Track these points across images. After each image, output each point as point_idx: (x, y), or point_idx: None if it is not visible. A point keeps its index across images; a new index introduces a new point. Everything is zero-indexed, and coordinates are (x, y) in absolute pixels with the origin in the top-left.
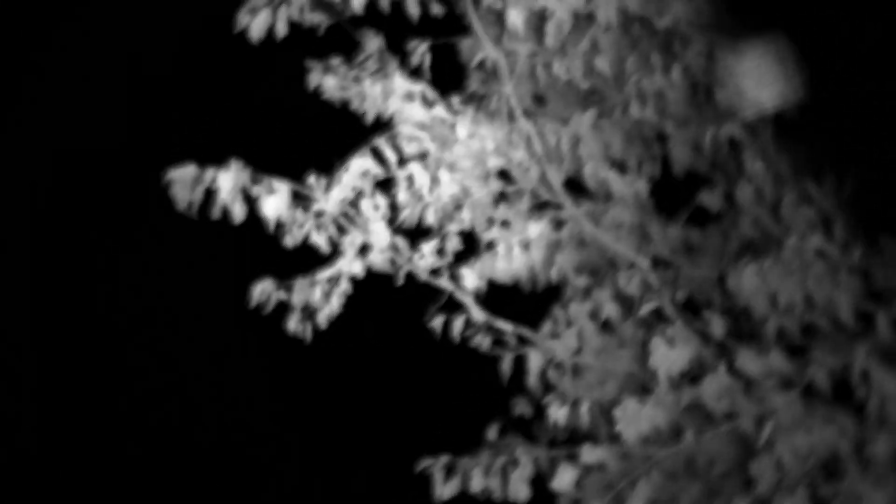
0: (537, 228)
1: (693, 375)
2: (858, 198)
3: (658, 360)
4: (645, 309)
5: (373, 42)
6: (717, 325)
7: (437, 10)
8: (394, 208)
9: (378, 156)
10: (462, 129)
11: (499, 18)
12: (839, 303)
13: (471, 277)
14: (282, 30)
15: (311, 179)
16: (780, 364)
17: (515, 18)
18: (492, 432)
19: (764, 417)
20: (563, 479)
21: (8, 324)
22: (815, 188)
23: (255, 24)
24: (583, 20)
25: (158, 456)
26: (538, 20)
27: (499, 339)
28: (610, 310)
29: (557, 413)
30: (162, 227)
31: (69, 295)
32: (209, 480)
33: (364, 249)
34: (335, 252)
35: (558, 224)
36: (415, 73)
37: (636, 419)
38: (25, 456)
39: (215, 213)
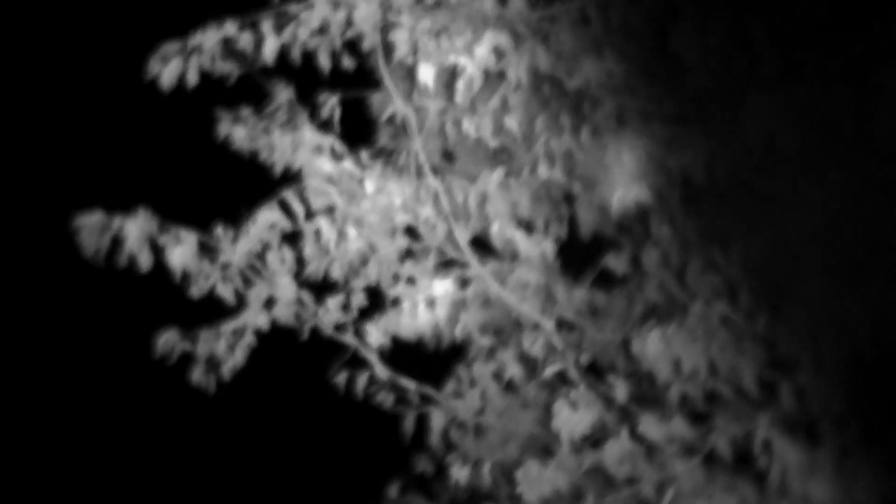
0: (443, 286)
1: (595, 439)
2: (764, 266)
3: (561, 423)
4: (549, 371)
5: (283, 93)
6: (621, 390)
7: (348, 63)
8: (300, 262)
9: (285, 208)
10: (370, 184)
11: (409, 73)
12: (743, 371)
13: (375, 334)
14: (193, 78)
15: (219, 230)
16: (683, 430)
17: (426, 74)
18: (392, 490)
19: (665, 483)
20: None
21: None
22: (721, 255)
23: (166, 73)
24: (493, 78)
25: None
26: (449, 77)
27: (402, 397)
28: (514, 371)
29: (459, 473)
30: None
31: None
32: None
33: (270, 302)
34: (241, 304)
35: (464, 283)
36: (324, 126)
37: (538, 481)
38: None
39: (121, 261)
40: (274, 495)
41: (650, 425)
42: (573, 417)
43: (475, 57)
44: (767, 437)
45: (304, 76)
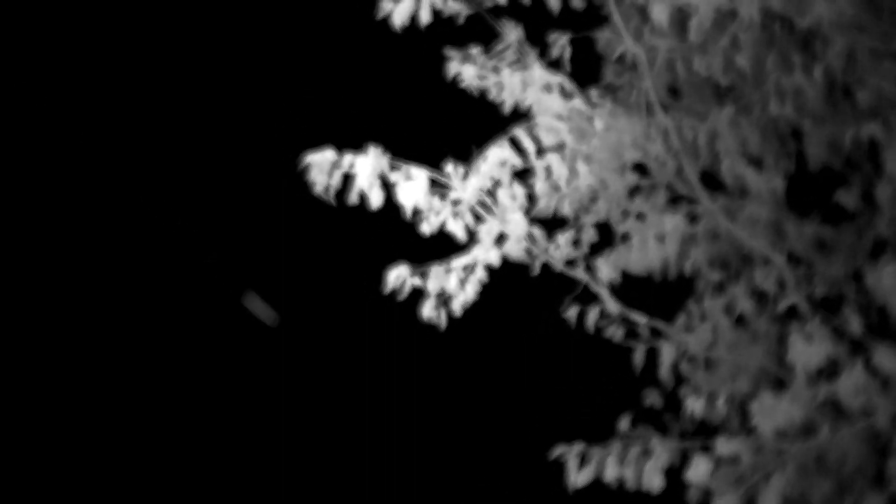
0: (673, 222)
1: (829, 372)
2: None
3: (796, 355)
4: (781, 305)
5: (512, 32)
6: (855, 322)
7: (577, 2)
8: (531, 198)
9: (516, 146)
10: (599, 122)
11: (639, 12)
12: None
13: (605, 269)
14: (425, 17)
15: (449, 167)
16: None
17: (660, 14)
18: (624, 423)
19: None
20: (698, 470)
21: None
22: None
23: (398, 11)
24: (724, 17)
25: None
26: (679, 15)
27: (632, 331)
28: (744, 305)
29: (694, 405)
30: None
31: None
32: None
33: (500, 238)
34: (471, 240)
35: (693, 218)
36: (553, 65)
37: (772, 413)
38: None
39: (352, 198)
40: (507, 427)
41: (885, 357)
42: (808, 350)
43: None
44: None
45: (532, 16)
